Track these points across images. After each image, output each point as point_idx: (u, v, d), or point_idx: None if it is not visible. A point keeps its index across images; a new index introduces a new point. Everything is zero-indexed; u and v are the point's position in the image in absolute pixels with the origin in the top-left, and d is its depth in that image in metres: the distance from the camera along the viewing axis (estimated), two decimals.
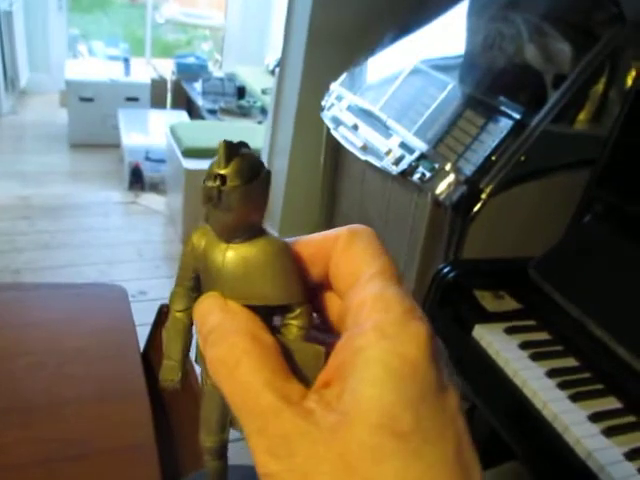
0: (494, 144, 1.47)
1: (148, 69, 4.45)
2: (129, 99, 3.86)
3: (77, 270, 2.37)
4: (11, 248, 2.46)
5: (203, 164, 2.57)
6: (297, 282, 0.26)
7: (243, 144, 0.25)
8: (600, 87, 1.51)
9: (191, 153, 2.60)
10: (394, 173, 1.64)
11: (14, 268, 2.31)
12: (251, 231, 0.26)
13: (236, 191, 0.24)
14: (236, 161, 0.24)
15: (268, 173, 0.26)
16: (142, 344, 1.15)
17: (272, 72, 3.51)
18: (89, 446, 0.79)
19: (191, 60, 4.39)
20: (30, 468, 0.75)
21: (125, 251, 2.58)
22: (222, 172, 0.24)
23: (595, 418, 0.89)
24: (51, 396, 0.86)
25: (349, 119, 1.94)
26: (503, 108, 1.52)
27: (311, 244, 0.28)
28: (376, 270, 0.25)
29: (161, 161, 3.15)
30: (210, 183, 0.24)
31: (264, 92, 3.75)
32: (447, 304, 1.14)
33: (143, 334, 1.22)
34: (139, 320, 1.26)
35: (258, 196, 0.25)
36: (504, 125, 1.49)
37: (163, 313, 1.04)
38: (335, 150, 2.12)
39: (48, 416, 0.83)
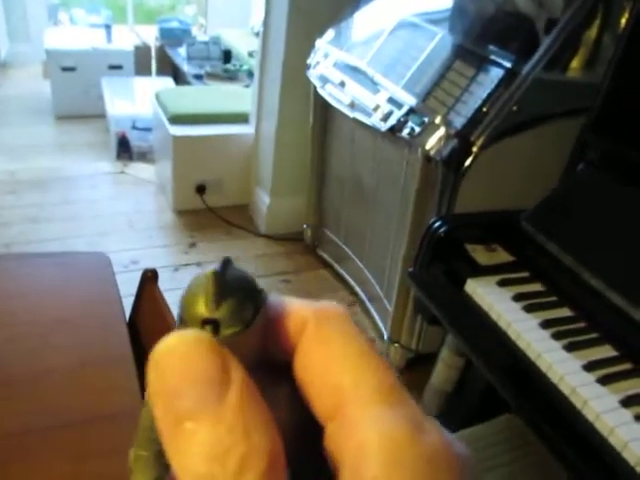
0: (485, 95, 1.43)
1: (131, 36, 4.33)
2: (112, 67, 3.76)
3: (67, 242, 2.34)
4: None
5: (190, 130, 2.52)
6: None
7: (228, 263, 0.19)
8: (593, 32, 1.46)
9: (178, 119, 2.54)
10: (383, 129, 1.60)
11: (3, 242, 2.28)
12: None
13: (234, 339, 0.18)
14: (231, 298, 0.18)
15: (264, 297, 0.20)
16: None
17: (257, 34, 3.42)
18: (75, 414, 0.77)
19: (174, 24, 4.28)
20: (14, 438, 0.73)
21: (115, 222, 2.55)
22: (214, 316, 0.18)
23: (590, 367, 0.88)
24: (34, 367, 0.84)
25: (336, 76, 1.89)
26: (493, 57, 1.47)
27: (280, 319, 0.21)
28: (363, 386, 0.19)
29: (148, 130, 3.09)
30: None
31: (250, 55, 3.66)
32: (439, 259, 1.12)
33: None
34: (132, 290, 1.24)
35: (259, 335, 0.20)
36: (495, 75, 1.44)
37: (147, 278, 1.02)
38: (323, 109, 2.07)
39: (32, 387, 0.81)
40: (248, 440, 0.16)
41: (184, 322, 0.18)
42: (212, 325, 0.18)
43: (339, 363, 0.19)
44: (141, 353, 0.94)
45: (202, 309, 0.18)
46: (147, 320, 1.02)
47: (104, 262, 1.06)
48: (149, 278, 1.01)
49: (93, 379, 0.83)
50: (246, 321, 0.18)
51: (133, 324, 1.04)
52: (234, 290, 0.18)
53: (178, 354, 0.17)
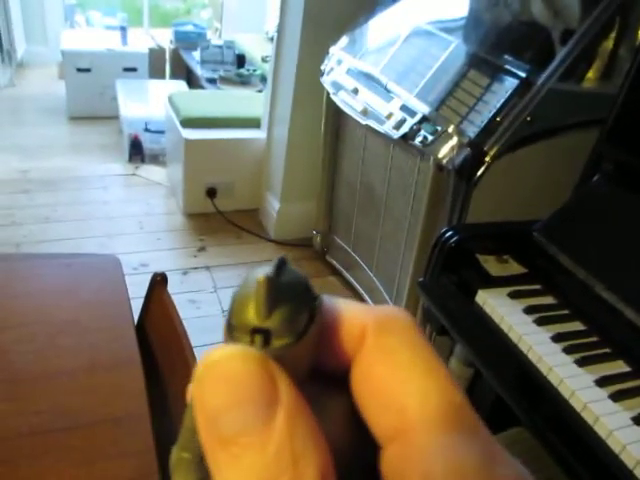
0: (499, 104, 1.42)
1: (146, 38, 4.36)
2: (127, 69, 3.79)
3: (77, 243, 2.35)
4: (11, 222, 2.44)
5: (202, 134, 2.53)
6: None
7: (283, 265, 0.17)
8: (610, 43, 1.45)
9: (190, 123, 2.55)
10: (395, 137, 1.59)
11: (14, 242, 2.30)
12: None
13: (286, 351, 0.17)
14: (284, 306, 0.17)
15: (320, 304, 0.18)
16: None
17: (272, 39, 3.43)
18: (82, 417, 0.77)
19: (189, 28, 4.30)
20: (21, 439, 0.73)
21: (126, 223, 2.56)
22: (265, 326, 0.16)
23: (602, 382, 0.87)
24: (42, 367, 0.84)
25: (349, 83, 1.89)
26: (508, 67, 1.46)
27: (336, 326, 0.19)
28: (430, 409, 0.17)
29: (161, 132, 3.10)
30: (245, 341, 0.16)
31: (264, 60, 3.67)
32: (450, 269, 1.11)
33: None
34: (141, 292, 1.24)
35: (313, 345, 0.18)
36: (509, 84, 1.43)
37: (157, 282, 1.01)
38: (336, 116, 2.07)
39: (39, 388, 0.81)
40: (296, 468, 0.15)
41: (232, 328, 0.17)
42: (262, 335, 0.16)
43: (404, 380, 0.18)
44: (149, 356, 0.93)
45: (252, 317, 0.16)
46: (156, 323, 1.02)
47: (114, 264, 1.06)
48: (158, 282, 1.01)
49: (101, 381, 0.83)
50: (299, 331, 0.17)
51: (141, 327, 1.04)
52: (288, 297, 0.17)
53: (223, 371, 0.16)
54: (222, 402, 0.15)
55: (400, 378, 0.18)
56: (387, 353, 0.18)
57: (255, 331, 0.16)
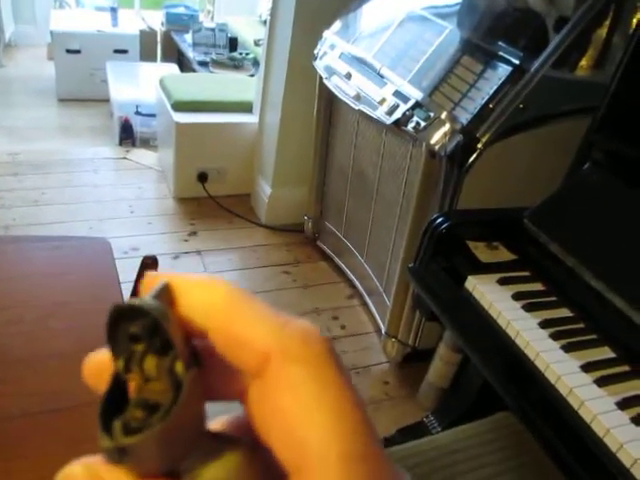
0: (492, 91, 1.42)
1: (137, 20, 4.30)
2: (117, 51, 3.74)
3: (67, 226, 2.33)
4: (0, 205, 2.41)
5: (194, 118, 2.51)
6: None
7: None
8: (604, 31, 1.45)
9: (181, 106, 2.53)
10: (388, 123, 1.59)
11: (3, 225, 2.28)
12: (187, 457, 0.18)
13: (148, 442, 0.17)
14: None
15: (195, 374, 0.18)
16: None
17: (265, 22, 3.39)
18: (72, 399, 0.77)
19: (181, 10, 4.25)
20: (11, 421, 0.73)
21: (116, 207, 2.54)
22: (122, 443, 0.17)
23: (588, 368, 0.88)
24: (31, 350, 0.84)
25: (342, 68, 1.87)
26: (502, 53, 1.46)
27: (230, 350, 0.18)
28: (330, 450, 0.16)
29: (152, 115, 3.07)
30: (104, 441, 0.17)
31: (257, 43, 3.64)
32: (440, 255, 1.12)
33: None
34: (131, 276, 1.23)
35: (186, 422, 0.17)
36: (502, 71, 1.43)
37: (147, 265, 1.01)
38: (328, 101, 2.06)
39: (28, 370, 0.81)
40: None
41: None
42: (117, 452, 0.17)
43: (307, 415, 0.17)
44: None
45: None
46: None
47: (105, 247, 1.05)
48: (149, 265, 1.01)
49: None
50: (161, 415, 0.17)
51: None
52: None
53: None
54: None
55: (303, 415, 0.17)
56: (292, 386, 0.17)
57: (115, 451, 0.17)
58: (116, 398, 0.18)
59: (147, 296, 0.18)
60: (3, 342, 0.84)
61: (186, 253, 2.30)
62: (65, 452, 0.74)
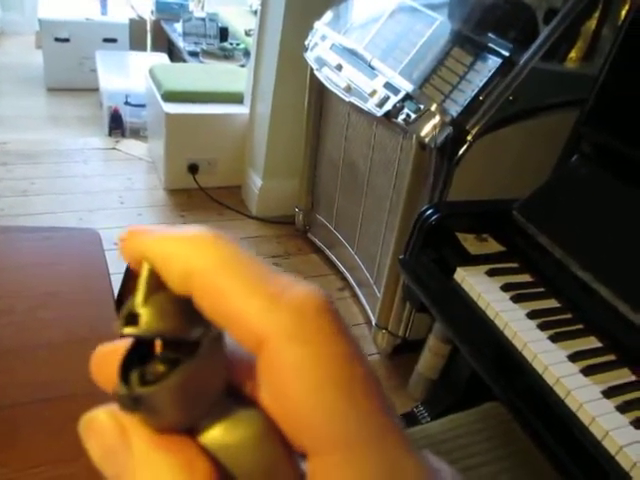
0: (481, 83, 1.42)
1: (126, 8, 4.26)
2: (107, 40, 3.70)
3: (57, 217, 2.32)
4: None
5: (184, 108, 2.50)
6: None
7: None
8: (593, 23, 1.46)
9: (172, 97, 2.51)
10: (378, 115, 1.59)
11: None
12: (206, 416, 0.18)
13: (163, 391, 0.16)
14: (165, 297, 0.17)
15: (216, 335, 0.17)
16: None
17: (255, 12, 3.37)
18: (61, 389, 0.77)
19: None
20: (2, 411, 0.73)
21: (106, 198, 2.53)
22: (136, 309, 0.17)
23: (575, 357, 0.89)
24: (21, 340, 0.84)
25: (333, 59, 1.87)
26: (492, 45, 1.46)
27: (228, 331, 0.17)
28: (340, 429, 0.16)
29: (142, 106, 3.05)
30: (118, 388, 0.17)
31: (247, 34, 3.61)
32: (429, 247, 1.13)
33: None
34: (121, 268, 1.23)
35: (207, 374, 0.17)
36: (492, 63, 1.43)
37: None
38: (319, 92, 2.05)
39: (18, 360, 0.81)
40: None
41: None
42: (128, 318, 0.17)
43: (315, 400, 0.16)
44: None
45: (129, 303, 0.17)
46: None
47: (94, 238, 1.05)
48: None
49: (79, 355, 0.82)
50: (172, 327, 0.17)
51: (121, 302, 1.03)
52: (168, 292, 0.17)
53: (85, 433, 0.18)
54: (94, 455, 0.18)
55: (311, 400, 0.16)
56: (294, 369, 0.16)
57: (128, 317, 0.17)
58: (142, 352, 0.18)
59: (138, 299, 0.17)
60: None
61: None
62: (55, 442, 0.74)
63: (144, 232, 0.18)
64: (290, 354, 0.16)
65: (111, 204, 2.49)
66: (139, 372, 0.17)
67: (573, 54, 1.48)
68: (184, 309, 0.17)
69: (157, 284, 0.17)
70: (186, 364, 0.16)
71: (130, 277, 1.21)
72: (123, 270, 1.24)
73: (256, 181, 2.51)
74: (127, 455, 0.17)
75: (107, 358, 0.20)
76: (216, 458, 0.17)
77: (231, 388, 0.18)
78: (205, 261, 0.17)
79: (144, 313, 0.17)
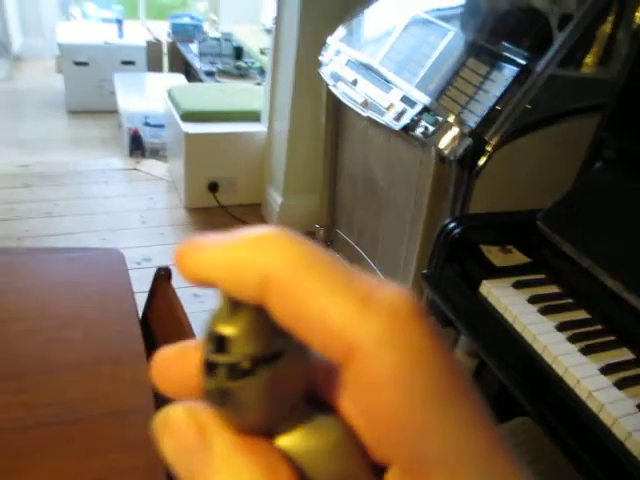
0: (499, 93, 1.41)
1: (143, 31, 4.34)
2: (125, 63, 3.77)
3: (79, 238, 2.35)
4: (12, 217, 2.44)
5: (203, 128, 2.52)
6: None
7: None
8: (608, 27, 1.44)
9: (190, 117, 2.54)
10: (396, 128, 1.59)
11: (16, 236, 2.30)
12: (286, 420, 0.17)
13: (251, 386, 0.16)
14: (247, 314, 0.16)
15: None
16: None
17: (269, 31, 3.41)
18: (88, 409, 0.77)
19: (186, 20, 4.28)
20: (26, 431, 0.74)
21: (128, 218, 2.56)
22: (225, 331, 0.16)
23: (607, 370, 0.87)
24: (46, 361, 0.84)
25: (348, 74, 1.88)
26: (507, 54, 1.45)
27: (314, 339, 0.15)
28: (452, 452, 0.14)
29: (161, 126, 3.09)
30: (208, 382, 0.17)
31: (262, 52, 3.65)
32: (453, 260, 1.11)
33: None
34: (144, 287, 1.24)
35: (290, 375, 0.17)
36: (509, 72, 1.43)
37: (160, 276, 1.02)
38: (336, 108, 2.06)
39: (44, 381, 0.81)
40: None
41: (203, 336, 0.17)
42: (217, 342, 0.16)
43: (418, 415, 0.14)
44: (153, 350, 0.93)
45: (213, 324, 0.16)
46: (160, 317, 1.02)
47: (118, 258, 1.06)
48: (162, 276, 1.01)
49: (105, 375, 0.83)
50: (263, 346, 0.16)
51: (146, 321, 1.04)
52: (254, 308, 0.16)
53: (160, 431, 0.17)
54: (170, 454, 0.17)
55: (413, 415, 0.14)
56: (393, 378, 0.15)
57: (217, 340, 0.16)
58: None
59: (222, 320, 0.17)
60: (17, 353, 0.85)
61: None
62: (81, 462, 0.74)
63: (202, 245, 0.17)
64: (384, 362, 0.14)
65: (133, 224, 2.52)
66: (226, 367, 0.16)
67: (589, 59, 1.47)
68: (268, 320, 0.16)
69: (236, 299, 0.17)
70: (274, 363, 0.16)
71: (153, 296, 1.22)
72: (147, 289, 1.24)
73: (276, 198, 2.52)
74: (205, 455, 0.16)
75: (172, 361, 0.19)
76: (295, 463, 0.17)
77: (309, 394, 0.18)
78: (281, 262, 0.15)
79: (233, 338, 0.16)
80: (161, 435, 0.17)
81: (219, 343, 0.16)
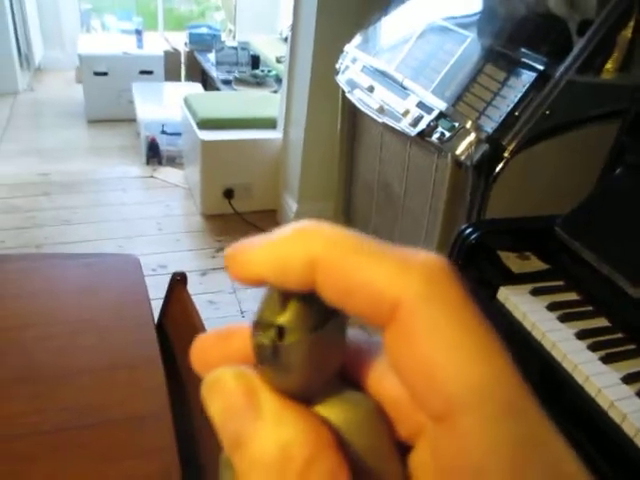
0: (516, 99, 1.40)
1: (161, 42, 4.39)
2: (143, 72, 3.82)
3: (97, 244, 2.37)
4: (32, 224, 2.47)
5: (219, 135, 2.54)
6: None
7: None
8: (628, 32, 1.43)
9: (206, 124, 2.56)
10: (412, 134, 1.58)
11: (35, 243, 2.33)
12: (321, 392, 0.18)
13: (299, 346, 0.17)
14: (296, 303, 0.17)
15: (342, 312, 0.18)
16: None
17: (285, 39, 3.43)
18: (103, 414, 0.77)
19: (204, 30, 4.32)
20: (42, 436, 0.74)
21: (144, 225, 2.58)
22: (279, 321, 0.17)
23: (629, 379, 0.85)
24: (63, 366, 0.85)
25: (364, 81, 1.88)
26: (525, 60, 1.44)
27: (360, 297, 0.17)
28: (481, 393, 0.15)
29: (177, 134, 3.12)
30: (262, 338, 0.18)
31: (278, 60, 3.68)
32: (470, 266, 1.10)
33: None
34: (160, 293, 1.24)
35: (331, 346, 0.18)
36: (527, 78, 1.41)
37: (177, 281, 1.02)
38: (352, 114, 2.06)
39: (60, 386, 0.81)
40: (292, 462, 0.16)
41: (253, 326, 0.18)
42: (275, 331, 0.17)
43: (453, 361, 0.15)
44: (169, 355, 0.94)
45: (267, 313, 0.18)
46: (176, 323, 1.02)
47: (134, 264, 1.06)
48: (178, 281, 1.01)
49: (122, 380, 0.83)
50: (312, 327, 0.17)
51: (161, 327, 1.04)
52: (301, 294, 0.17)
53: (209, 393, 0.18)
54: (217, 414, 0.18)
55: (448, 362, 0.15)
56: (430, 330, 0.16)
57: (270, 327, 0.17)
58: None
59: (275, 309, 0.18)
60: (34, 358, 0.85)
61: (213, 270, 2.31)
62: (97, 467, 0.74)
63: (249, 246, 0.18)
64: (427, 315, 0.16)
65: (149, 231, 2.54)
66: (277, 331, 0.17)
67: (609, 65, 1.45)
68: (314, 306, 0.18)
69: (285, 291, 0.18)
70: (322, 329, 0.17)
71: (169, 302, 1.22)
72: (162, 296, 1.25)
73: (291, 205, 2.52)
74: (253, 414, 0.17)
75: (212, 345, 0.20)
76: (333, 430, 0.17)
77: (341, 373, 0.19)
78: (324, 245, 0.17)
79: (286, 325, 0.17)
80: (209, 397, 0.18)
81: (274, 331, 0.17)
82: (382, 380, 0.19)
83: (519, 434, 0.15)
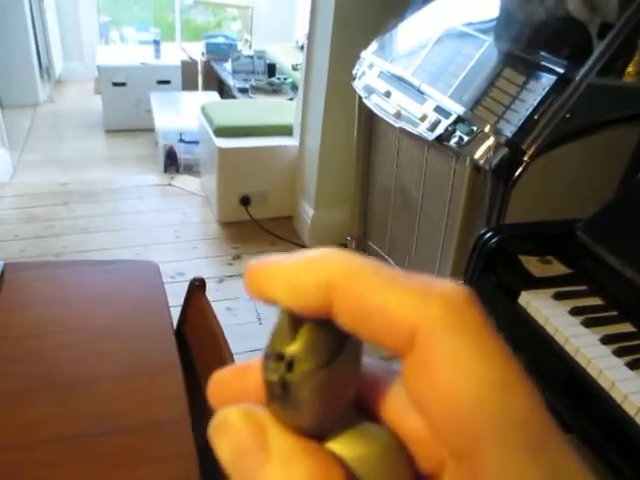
0: (536, 102, 1.39)
1: (178, 52, 4.44)
2: (161, 82, 3.86)
3: (115, 253, 2.39)
4: (51, 233, 2.50)
5: (235, 142, 2.55)
6: None
7: None
8: None
9: (223, 132, 2.57)
10: (430, 139, 1.57)
11: (54, 252, 2.35)
12: (335, 427, 0.18)
13: (310, 379, 0.16)
14: (307, 330, 0.17)
15: (356, 341, 0.17)
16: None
17: (302, 48, 3.44)
18: (123, 421, 0.77)
19: (220, 40, 4.36)
20: (62, 443, 0.74)
21: (162, 233, 2.59)
22: (289, 352, 0.17)
23: None
24: (83, 373, 0.85)
25: (381, 86, 1.87)
26: (545, 63, 1.43)
27: (379, 324, 0.16)
28: (503, 426, 0.15)
29: (195, 143, 3.14)
30: (270, 374, 0.17)
31: (295, 68, 3.69)
32: (490, 271, 1.08)
33: None
34: (178, 301, 1.24)
35: (344, 378, 0.17)
36: (546, 81, 1.40)
37: (195, 287, 1.02)
38: (368, 120, 2.06)
39: (80, 392, 0.82)
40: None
41: (264, 357, 0.17)
42: (285, 362, 0.17)
43: (475, 391, 0.15)
44: (188, 362, 0.94)
45: (277, 343, 0.17)
46: (194, 329, 1.02)
47: (153, 271, 1.07)
48: (197, 287, 1.01)
49: (141, 387, 0.83)
50: (326, 358, 0.16)
51: (180, 333, 1.04)
52: (312, 324, 0.17)
53: (217, 434, 0.17)
54: (226, 456, 0.17)
55: (471, 392, 0.15)
56: (451, 359, 0.15)
57: (280, 358, 0.17)
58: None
59: (285, 339, 0.17)
60: (53, 365, 0.86)
61: (230, 277, 2.31)
62: (116, 474, 0.74)
63: (268, 266, 0.18)
64: (446, 343, 0.15)
65: (167, 238, 2.55)
66: (286, 363, 0.17)
67: (631, 68, 1.43)
68: (327, 333, 0.17)
69: (297, 317, 0.17)
70: (332, 363, 0.17)
71: (188, 307, 1.22)
72: (180, 303, 1.25)
73: (308, 211, 2.52)
74: (263, 456, 0.16)
75: (228, 380, 0.19)
76: (346, 467, 0.17)
77: (356, 404, 0.18)
78: (342, 270, 0.16)
79: (297, 357, 0.17)
80: (217, 437, 0.17)
81: (283, 365, 0.17)
82: (401, 411, 0.18)
83: (546, 473, 0.15)
